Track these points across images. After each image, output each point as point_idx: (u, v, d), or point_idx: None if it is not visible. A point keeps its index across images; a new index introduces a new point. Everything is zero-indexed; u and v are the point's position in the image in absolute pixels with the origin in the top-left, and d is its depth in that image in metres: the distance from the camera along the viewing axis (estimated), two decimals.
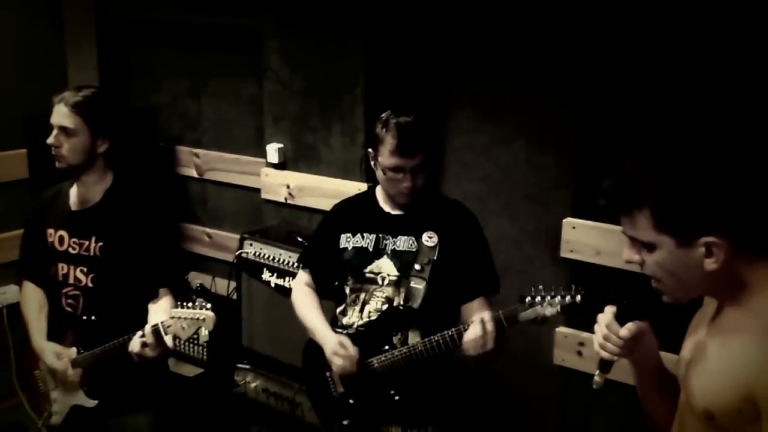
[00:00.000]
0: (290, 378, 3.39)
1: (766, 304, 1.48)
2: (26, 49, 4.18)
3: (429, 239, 2.57)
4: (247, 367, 3.58)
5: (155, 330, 2.53)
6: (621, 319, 1.69)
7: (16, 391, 4.19)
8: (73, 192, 2.75)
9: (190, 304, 2.52)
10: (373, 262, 2.62)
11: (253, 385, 3.57)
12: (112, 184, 2.74)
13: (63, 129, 2.61)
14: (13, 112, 4.11)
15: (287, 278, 3.38)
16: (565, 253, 3.09)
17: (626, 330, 1.67)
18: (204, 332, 3.76)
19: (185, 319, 2.49)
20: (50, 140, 2.63)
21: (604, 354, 1.72)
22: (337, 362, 2.56)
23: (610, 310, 1.71)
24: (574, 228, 3.06)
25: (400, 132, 2.47)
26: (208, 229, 4.26)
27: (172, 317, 2.50)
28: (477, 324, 2.34)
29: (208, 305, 2.53)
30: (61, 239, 2.72)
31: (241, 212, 4.14)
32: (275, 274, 3.43)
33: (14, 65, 4.15)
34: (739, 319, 1.51)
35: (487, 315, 2.36)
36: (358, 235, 2.67)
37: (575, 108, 3.04)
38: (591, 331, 1.73)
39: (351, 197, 2.88)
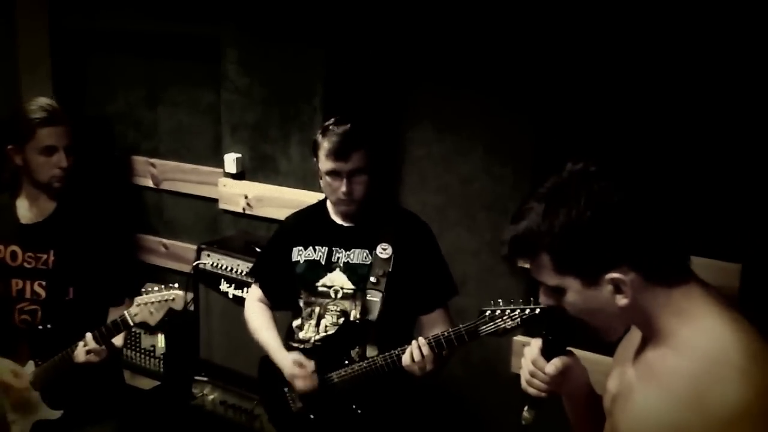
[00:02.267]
0: (248, 390, 3.36)
1: (687, 340, 1.40)
2: None
3: (383, 251, 2.57)
4: (205, 379, 3.54)
5: (95, 336, 2.51)
6: (547, 353, 1.64)
7: None
8: (22, 205, 2.68)
9: (155, 288, 2.50)
10: (326, 275, 2.62)
11: (210, 397, 3.53)
12: (65, 195, 2.68)
13: (68, 148, 2.57)
14: None
15: (245, 289, 3.34)
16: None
17: (552, 366, 1.62)
18: (160, 344, 3.75)
19: (152, 303, 2.47)
20: (64, 164, 2.56)
21: (532, 391, 1.67)
22: (299, 384, 2.56)
23: (536, 345, 1.66)
24: None
25: (335, 135, 2.50)
26: (164, 240, 4.21)
27: (138, 305, 2.47)
28: (415, 348, 2.36)
29: (176, 285, 2.53)
30: (13, 254, 2.65)
31: (199, 223, 4.10)
32: (233, 285, 3.40)
33: None
34: (663, 357, 1.44)
35: (422, 339, 2.38)
36: (310, 248, 2.65)
37: (531, 118, 3.07)
38: None
39: (303, 209, 2.84)
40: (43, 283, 2.64)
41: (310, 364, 2.54)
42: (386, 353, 2.46)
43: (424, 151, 3.39)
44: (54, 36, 4.29)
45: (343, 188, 2.51)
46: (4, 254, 2.66)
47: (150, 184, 4.21)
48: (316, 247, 2.64)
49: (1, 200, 2.72)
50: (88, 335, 2.51)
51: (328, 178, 2.53)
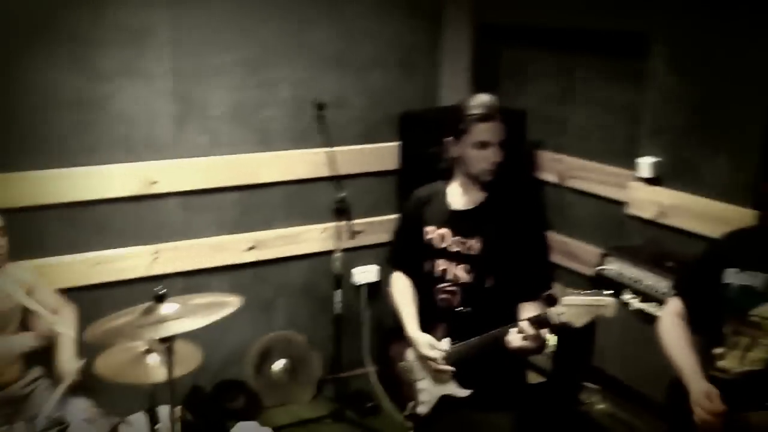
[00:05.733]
0: (642, 408, 3.20)
1: None
2: (407, 50, 4.42)
3: None
4: (595, 387, 3.44)
5: (535, 320, 2.51)
6: None
7: (364, 363, 4.54)
8: (454, 192, 2.80)
9: (584, 292, 2.46)
10: (761, 304, 2.36)
11: (598, 407, 3.43)
12: (494, 187, 2.74)
13: (500, 144, 2.67)
14: (391, 108, 4.38)
15: (650, 303, 3.18)
16: None
17: None
18: (552, 341, 3.73)
19: (581, 306, 2.43)
20: (496, 158, 2.66)
21: None
22: (699, 414, 2.37)
23: None
24: None
25: None
26: (562, 237, 4.17)
27: (565, 305, 2.45)
28: None
29: (609, 291, 2.44)
30: (442, 237, 2.79)
31: (601, 224, 3.99)
32: (638, 297, 3.24)
33: (397, 65, 4.40)
34: None
35: None
36: (747, 272, 2.42)
37: None
38: None
39: (744, 228, 2.62)
40: (466, 267, 2.73)
41: (721, 405, 2.33)
42: None
43: None
44: (475, 31, 4.44)
45: None
46: (433, 235, 2.80)
47: (554, 179, 4.20)
48: (755, 273, 2.40)
49: (437, 186, 2.87)
50: (524, 322, 2.54)
51: None
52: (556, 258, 4.15)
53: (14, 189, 3.53)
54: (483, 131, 2.64)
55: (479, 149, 2.66)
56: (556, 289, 4.00)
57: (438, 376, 2.79)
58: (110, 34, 3.63)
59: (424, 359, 2.81)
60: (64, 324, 3.20)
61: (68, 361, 3.11)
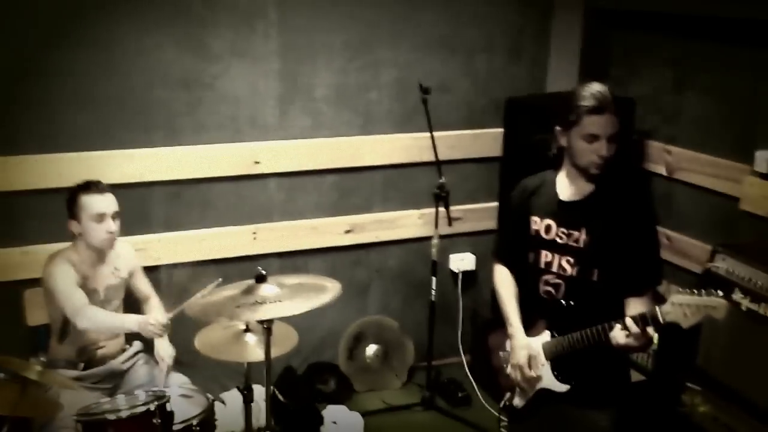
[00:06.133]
0: (747, 413, 3.05)
1: None
2: (515, 35, 4.33)
3: None
4: (698, 388, 3.30)
5: (642, 318, 2.43)
6: None
7: (458, 352, 4.52)
8: (562, 182, 2.72)
9: (694, 291, 2.35)
10: None
11: (701, 409, 3.28)
12: (604, 178, 2.65)
13: (611, 137, 2.56)
14: (497, 93, 4.30)
15: (762, 304, 3.01)
16: None
17: None
18: (654, 339, 3.60)
19: (689, 305, 2.33)
20: (604, 153, 2.55)
21: None
22: None
23: None
24: None
25: None
26: (669, 232, 4.01)
27: (673, 303, 2.36)
28: None
29: (720, 292, 2.33)
30: (547, 228, 2.72)
31: (711, 220, 3.81)
32: (749, 298, 3.07)
33: (504, 50, 4.31)
34: None
35: None
36: None
37: None
38: None
39: None
40: (571, 260, 2.66)
41: None
42: None
43: None
44: (586, 15, 4.30)
45: None
46: (539, 226, 2.74)
47: (662, 171, 4.03)
48: None
49: (545, 176, 2.79)
50: (628, 319, 2.46)
51: None
52: (663, 254, 4.00)
53: (123, 166, 3.65)
54: (593, 124, 2.54)
55: (588, 142, 2.56)
56: (662, 286, 3.89)
57: (526, 382, 2.75)
58: (220, 14, 3.69)
59: (516, 366, 2.77)
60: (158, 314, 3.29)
61: (165, 348, 3.24)
